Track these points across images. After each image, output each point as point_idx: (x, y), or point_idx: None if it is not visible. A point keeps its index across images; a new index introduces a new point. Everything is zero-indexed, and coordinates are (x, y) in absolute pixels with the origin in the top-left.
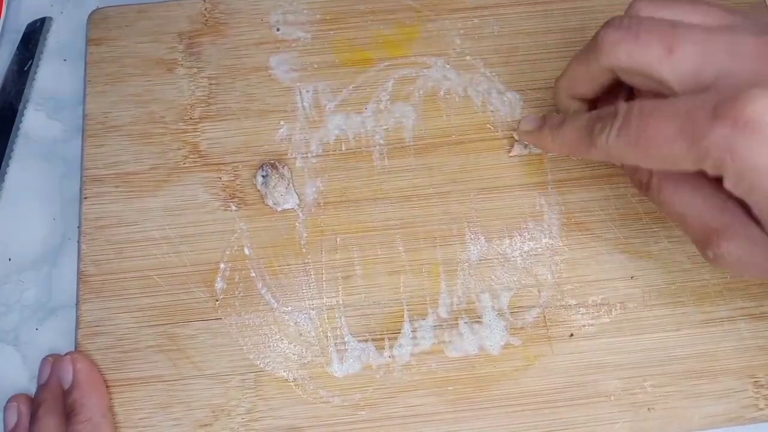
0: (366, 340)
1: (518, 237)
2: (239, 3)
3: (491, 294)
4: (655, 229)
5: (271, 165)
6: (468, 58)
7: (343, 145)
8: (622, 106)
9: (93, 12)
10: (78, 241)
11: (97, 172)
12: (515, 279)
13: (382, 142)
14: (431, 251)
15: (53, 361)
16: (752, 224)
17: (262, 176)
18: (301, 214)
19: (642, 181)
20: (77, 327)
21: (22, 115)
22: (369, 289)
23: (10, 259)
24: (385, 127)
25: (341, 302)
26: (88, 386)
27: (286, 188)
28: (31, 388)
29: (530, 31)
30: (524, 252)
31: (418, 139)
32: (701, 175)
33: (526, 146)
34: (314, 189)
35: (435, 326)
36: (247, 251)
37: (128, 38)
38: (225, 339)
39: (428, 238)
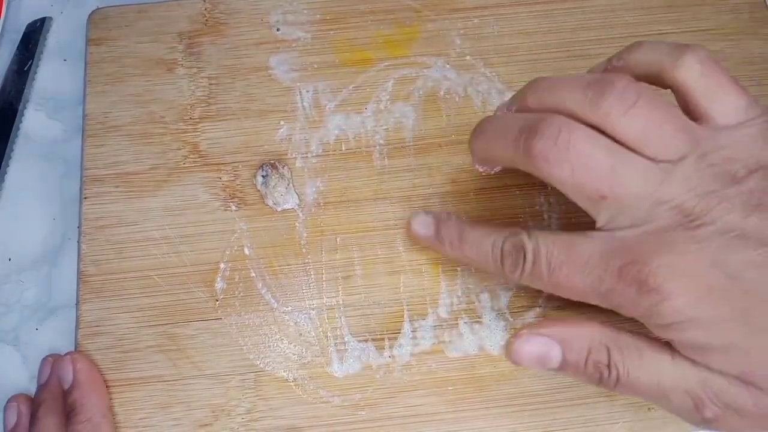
0: (366, 340)
1: None
2: (239, 3)
3: (491, 294)
4: None
5: (271, 165)
6: (468, 58)
7: (343, 145)
8: (529, 245)
9: (93, 12)
10: (78, 241)
11: (97, 172)
12: None
13: (382, 142)
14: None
15: (53, 361)
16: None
17: (262, 176)
18: (301, 214)
19: (600, 362)
20: (77, 327)
21: (22, 115)
22: (369, 289)
23: (10, 259)
24: (385, 127)
25: (341, 302)
26: (88, 386)
27: (286, 188)
28: (31, 388)
29: (530, 31)
30: None
31: (418, 139)
32: (659, 343)
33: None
34: (314, 189)
35: (435, 326)
36: (247, 251)
37: (128, 38)
38: (225, 339)
39: None
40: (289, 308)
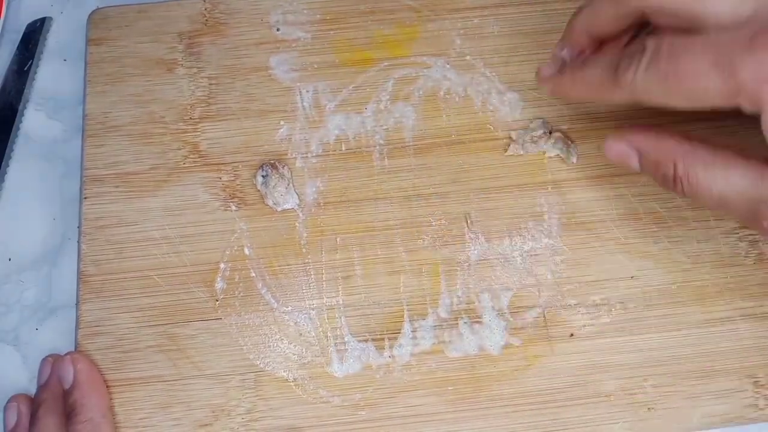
0: (366, 340)
1: (518, 237)
2: (239, 3)
3: (491, 294)
4: (655, 230)
5: (271, 165)
6: (468, 58)
7: (343, 145)
8: (651, 41)
9: (93, 12)
10: (78, 241)
11: (97, 172)
12: (515, 279)
13: (382, 142)
14: (431, 251)
15: (53, 361)
16: None
17: (262, 176)
18: (301, 214)
19: (667, 175)
20: (77, 327)
21: (22, 115)
22: (369, 289)
23: (10, 259)
24: (385, 127)
25: (341, 302)
26: (88, 386)
27: (286, 188)
28: (31, 388)
29: (530, 31)
30: (524, 252)
31: (418, 139)
32: (730, 149)
33: (522, 146)
34: (314, 189)
35: (435, 326)
36: (247, 251)
37: (128, 38)
38: (225, 339)
39: (428, 238)
40: (289, 308)
